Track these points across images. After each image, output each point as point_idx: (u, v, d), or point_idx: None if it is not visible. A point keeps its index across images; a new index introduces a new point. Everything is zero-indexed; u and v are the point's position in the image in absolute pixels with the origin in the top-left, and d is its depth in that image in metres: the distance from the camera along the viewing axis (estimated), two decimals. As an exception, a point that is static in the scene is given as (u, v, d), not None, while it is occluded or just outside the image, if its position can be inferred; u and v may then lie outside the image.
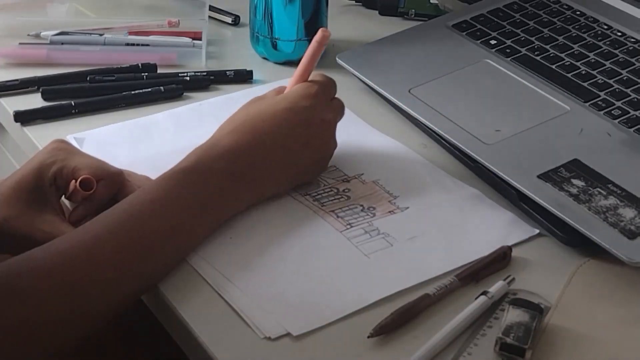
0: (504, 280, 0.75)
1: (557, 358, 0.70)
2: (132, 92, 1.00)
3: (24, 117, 0.97)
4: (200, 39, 1.08)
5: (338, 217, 0.83)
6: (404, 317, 0.72)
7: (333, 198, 0.86)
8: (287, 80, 0.89)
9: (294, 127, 0.84)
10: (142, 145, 0.93)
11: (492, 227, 0.83)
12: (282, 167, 0.84)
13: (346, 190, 0.87)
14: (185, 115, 0.98)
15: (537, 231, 0.82)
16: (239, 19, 1.16)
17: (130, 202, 0.77)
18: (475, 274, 0.77)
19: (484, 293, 0.74)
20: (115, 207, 0.76)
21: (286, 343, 0.71)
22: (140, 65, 1.04)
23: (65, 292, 0.70)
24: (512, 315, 0.71)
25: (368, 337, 0.71)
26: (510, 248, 0.79)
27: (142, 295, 0.77)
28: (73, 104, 0.98)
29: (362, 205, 0.85)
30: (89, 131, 0.95)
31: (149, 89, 1.01)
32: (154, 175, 0.88)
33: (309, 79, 0.88)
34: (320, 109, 0.86)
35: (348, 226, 0.82)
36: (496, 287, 0.74)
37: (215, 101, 1.00)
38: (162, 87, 1.01)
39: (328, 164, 0.88)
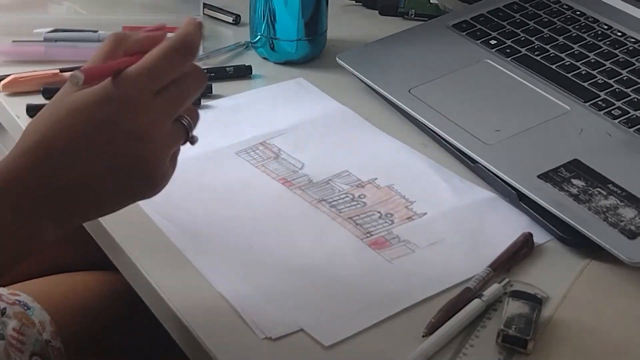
0: (499, 283, 0.75)
1: (559, 349, 0.71)
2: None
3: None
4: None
5: (357, 224, 0.82)
6: (450, 312, 0.72)
7: (350, 205, 0.84)
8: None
9: (89, 141, 0.63)
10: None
11: (512, 232, 0.81)
12: (72, 196, 0.64)
13: (362, 196, 0.86)
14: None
15: (553, 237, 0.81)
16: (240, 19, 1.16)
17: None
18: (505, 262, 0.77)
19: (479, 296, 0.74)
20: None
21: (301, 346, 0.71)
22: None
23: None
24: (513, 307, 0.72)
25: (423, 336, 0.71)
26: (530, 234, 0.80)
27: None
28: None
29: (379, 212, 0.84)
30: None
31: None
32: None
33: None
34: (126, 117, 0.63)
35: (368, 234, 0.81)
36: (491, 290, 0.74)
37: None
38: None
39: (155, 192, 0.67)
